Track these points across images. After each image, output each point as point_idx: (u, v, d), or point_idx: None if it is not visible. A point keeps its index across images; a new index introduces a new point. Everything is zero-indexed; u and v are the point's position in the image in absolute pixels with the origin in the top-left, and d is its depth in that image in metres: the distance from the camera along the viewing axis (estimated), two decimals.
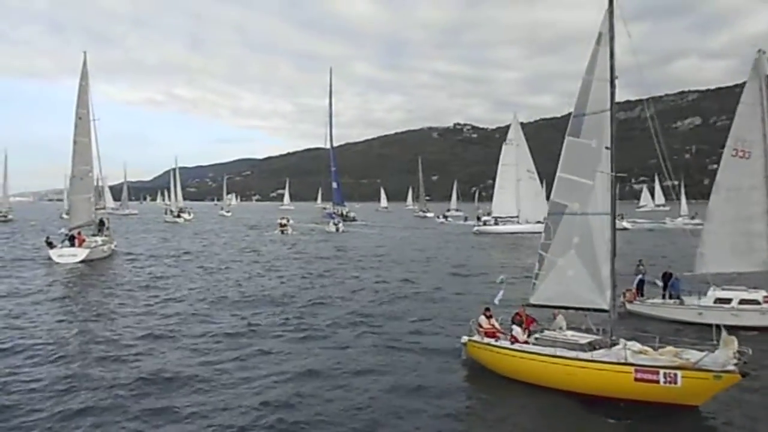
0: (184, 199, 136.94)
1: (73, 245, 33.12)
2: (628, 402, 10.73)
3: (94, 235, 35.64)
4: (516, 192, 57.51)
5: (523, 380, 11.96)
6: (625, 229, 65.71)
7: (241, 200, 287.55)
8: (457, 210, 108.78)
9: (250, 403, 11.26)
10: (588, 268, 12.20)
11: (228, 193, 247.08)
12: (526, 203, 57.19)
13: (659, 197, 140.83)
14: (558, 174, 12.90)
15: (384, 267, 32.57)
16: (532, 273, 13.19)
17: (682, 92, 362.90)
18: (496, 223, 58.18)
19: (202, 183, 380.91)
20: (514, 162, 57.91)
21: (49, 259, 32.46)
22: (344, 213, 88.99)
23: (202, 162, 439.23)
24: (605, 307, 12.12)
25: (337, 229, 65.68)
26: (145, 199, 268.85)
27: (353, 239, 54.50)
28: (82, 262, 31.90)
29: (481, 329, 13.36)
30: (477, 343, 13.07)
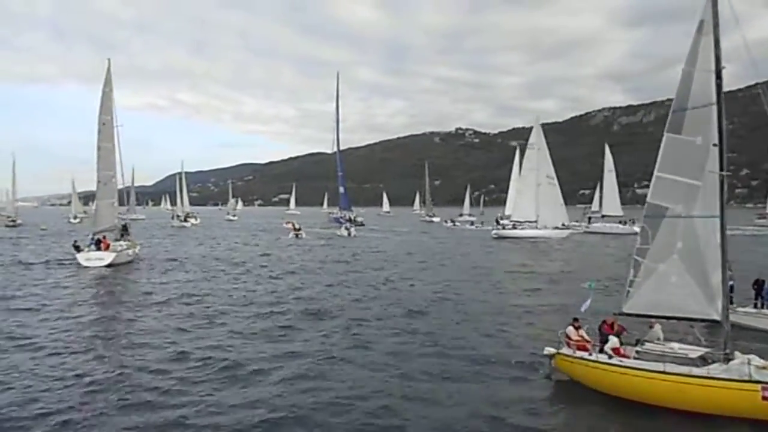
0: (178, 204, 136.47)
1: (99, 249, 33.05)
2: (750, 421, 9.80)
3: (116, 240, 35.46)
4: (535, 197, 56.68)
5: (624, 397, 10.93)
6: (636, 233, 65.01)
7: (244, 205, 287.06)
8: (470, 215, 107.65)
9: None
10: (694, 276, 11.23)
11: (232, 198, 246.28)
12: (545, 208, 56.42)
13: None
14: (656, 174, 11.90)
15: (414, 272, 31.48)
16: (626, 280, 12.14)
17: None
18: (514, 227, 57.37)
19: (204, 188, 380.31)
20: (535, 167, 57.16)
21: (77, 262, 32.47)
22: (352, 218, 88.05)
23: (203, 167, 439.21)
24: (716, 317, 11.13)
25: (350, 234, 64.88)
26: (147, 203, 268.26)
27: (368, 244, 53.66)
28: (109, 266, 31.85)
29: (570, 341, 12.33)
30: (569, 357, 12.01)
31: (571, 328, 12.70)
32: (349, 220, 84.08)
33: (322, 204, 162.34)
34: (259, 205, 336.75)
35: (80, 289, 25.59)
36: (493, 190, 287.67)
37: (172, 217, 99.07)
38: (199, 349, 14.92)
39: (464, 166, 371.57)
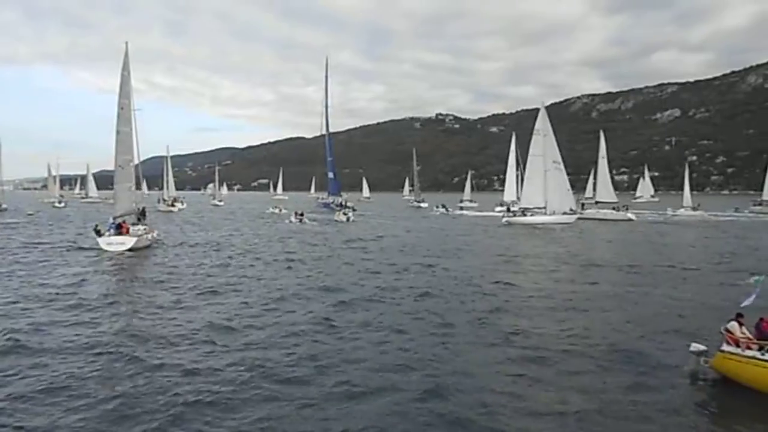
0: (152, 188, 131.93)
1: (119, 233, 32.59)
2: None
3: (133, 224, 34.74)
4: (543, 183, 56.40)
5: None
6: (630, 220, 65.57)
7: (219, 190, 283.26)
8: (471, 200, 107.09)
9: None
10: None
11: (210, 182, 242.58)
12: (553, 194, 56.24)
13: (649, 188, 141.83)
14: None
15: (449, 259, 30.21)
16: None
17: (662, 84, 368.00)
18: (523, 214, 57.09)
19: (181, 172, 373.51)
20: (542, 153, 56.80)
21: (98, 246, 31.98)
22: (343, 203, 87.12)
23: (180, 151, 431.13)
24: None
25: (348, 219, 63.86)
26: None
27: (373, 230, 52.28)
28: (130, 250, 31.37)
29: (737, 338, 11.03)
30: (735, 356, 10.76)
31: (734, 323, 11.36)
32: (341, 206, 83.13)
33: (308, 189, 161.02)
34: (238, 189, 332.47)
35: (107, 274, 24.88)
36: (474, 176, 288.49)
37: (158, 201, 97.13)
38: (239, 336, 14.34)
39: (445, 152, 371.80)
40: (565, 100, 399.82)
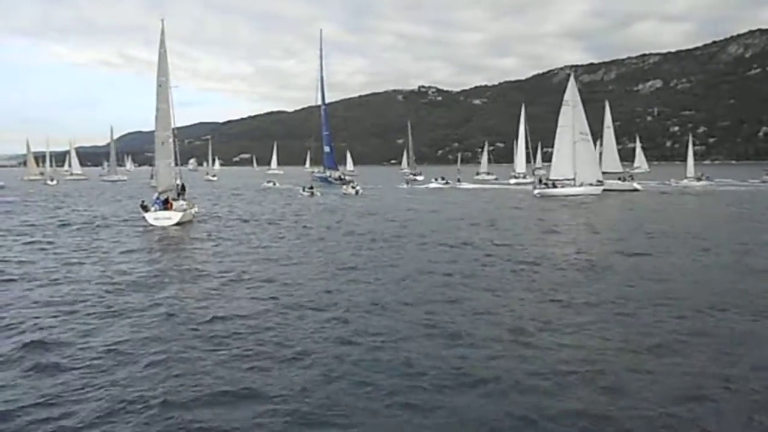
0: (142, 164, 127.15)
1: (166, 209, 32.63)
2: None
3: (174, 199, 34.56)
4: (572, 154, 55.19)
5: None
6: (635, 190, 64.91)
7: (202, 165, 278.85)
8: (488, 173, 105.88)
9: None
10: None
11: (191, 158, 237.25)
12: (582, 165, 55.18)
13: (643, 159, 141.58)
14: None
15: (517, 237, 27.85)
16: None
17: (644, 55, 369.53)
18: (554, 186, 55.96)
19: None
20: (570, 123, 55.50)
21: (145, 222, 32.06)
22: (341, 176, 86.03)
23: None
24: None
25: (357, 192, 62.77)
26: (101, 165, 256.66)
27: (393, 204, 50.27)
28: (176, 224, 31.41)
29: None
30: None
31: None
32: (340, 179, 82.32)
33: (299, 163, 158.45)
34: (220, 164, 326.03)
35: (162, 248, 24.90)
36: (457, 149, 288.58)
37: (151, 177, 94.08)
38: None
39: (428, 124, 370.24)
40: (548, 72, 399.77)
